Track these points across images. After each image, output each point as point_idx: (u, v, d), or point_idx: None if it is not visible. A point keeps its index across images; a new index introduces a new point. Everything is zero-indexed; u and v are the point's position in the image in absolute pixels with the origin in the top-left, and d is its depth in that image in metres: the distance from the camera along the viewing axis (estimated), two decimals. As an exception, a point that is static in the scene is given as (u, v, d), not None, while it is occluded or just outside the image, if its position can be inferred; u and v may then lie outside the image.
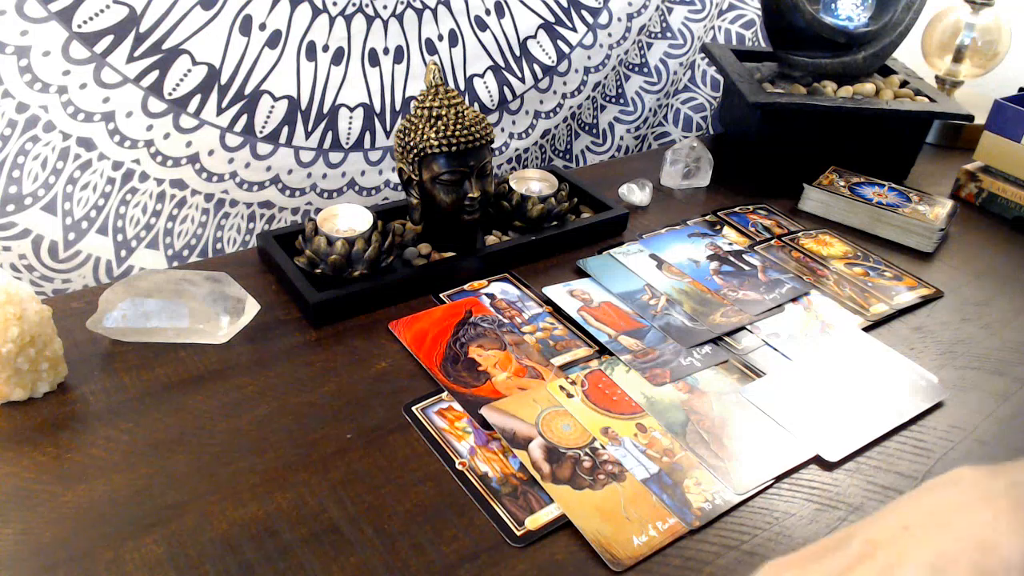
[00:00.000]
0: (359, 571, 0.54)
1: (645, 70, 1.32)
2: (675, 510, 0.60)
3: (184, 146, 0.95)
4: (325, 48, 0.99)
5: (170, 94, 0.91)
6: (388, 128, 1.09)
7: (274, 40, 0.95)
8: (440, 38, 1.08)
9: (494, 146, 1.15)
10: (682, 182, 1.08)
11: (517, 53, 1.15)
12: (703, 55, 1.33)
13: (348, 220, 0.82)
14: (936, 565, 0.34)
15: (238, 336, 0.74)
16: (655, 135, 1.41)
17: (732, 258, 0.92)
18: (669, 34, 1.30)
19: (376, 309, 0.80)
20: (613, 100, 1.33)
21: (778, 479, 0.64)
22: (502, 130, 1.20)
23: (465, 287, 0.84)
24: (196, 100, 0.93)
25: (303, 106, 1.00)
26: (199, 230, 1.01)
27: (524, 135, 1.23)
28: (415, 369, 0.73)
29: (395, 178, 1.13)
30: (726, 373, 0.75)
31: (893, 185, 1.06)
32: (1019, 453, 0.68)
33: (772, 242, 0.96)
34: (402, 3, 1.03)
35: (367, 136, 1.07)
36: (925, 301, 0.88)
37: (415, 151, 0.80)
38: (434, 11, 1.06)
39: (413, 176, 0.82)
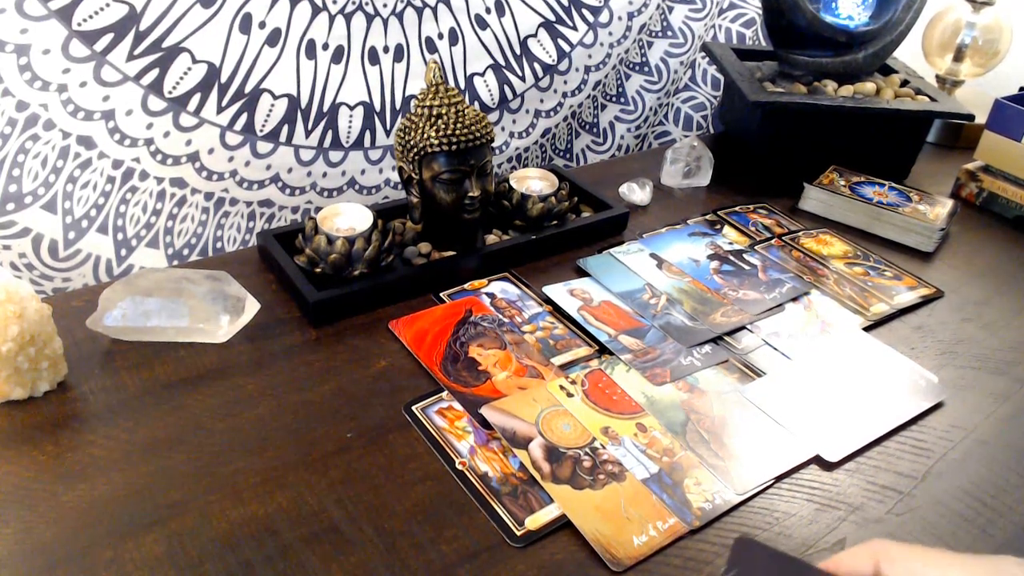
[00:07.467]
0: (359, 571, 0.54)
1: (646, 69, 1.32)
2: (675, 510, 0.60)
3: (184, 144, 0.95)
4: (325, 46, 0.99)
5: (170, 92, 0.91)
6: (388, 127, 1.08)
7: (274, 38, 0.95)
8: (440, 36, 1.08)
9: (494, 145, 1.15)
10: (682, 181, 1.08)
11: (517, 52, 1.15)
12: (704, 54, 1.33)
13: (348, 219, 0.82)
14: None
15: (238, 335, 0.74)
16: (655, 134, 1.41)
17: (732, 257, 0.92)
18: (670, 33, 1.30)
19: (376, 308, 0.80)
20: (613, 99, 1.33)
21: (778, 479, 0.64)
22: (502, 129, 1.20)
23: (465, 286, 0.84)
24: (196, 98, 0.93)
25: (303, 104, 1.00)
26: (199, 229, 1.01)
27: (524, 134, 1.23)
28: (415, 368, 0.73)
29: (395, 177, 1.12)
30: (726, 373, 0.75)
31: (893, 184, 1.06)
32: (1019, 453, 0.68)
33: (772, 241, 0.96)
34: (402, 1, 1.02)
35: (367, 135, 1.07)
36: (925, 301, 0.88)
37: (415, 150, 0.80)
38: (434, 9, 1.06)
39: (413, 175, 0.82)
